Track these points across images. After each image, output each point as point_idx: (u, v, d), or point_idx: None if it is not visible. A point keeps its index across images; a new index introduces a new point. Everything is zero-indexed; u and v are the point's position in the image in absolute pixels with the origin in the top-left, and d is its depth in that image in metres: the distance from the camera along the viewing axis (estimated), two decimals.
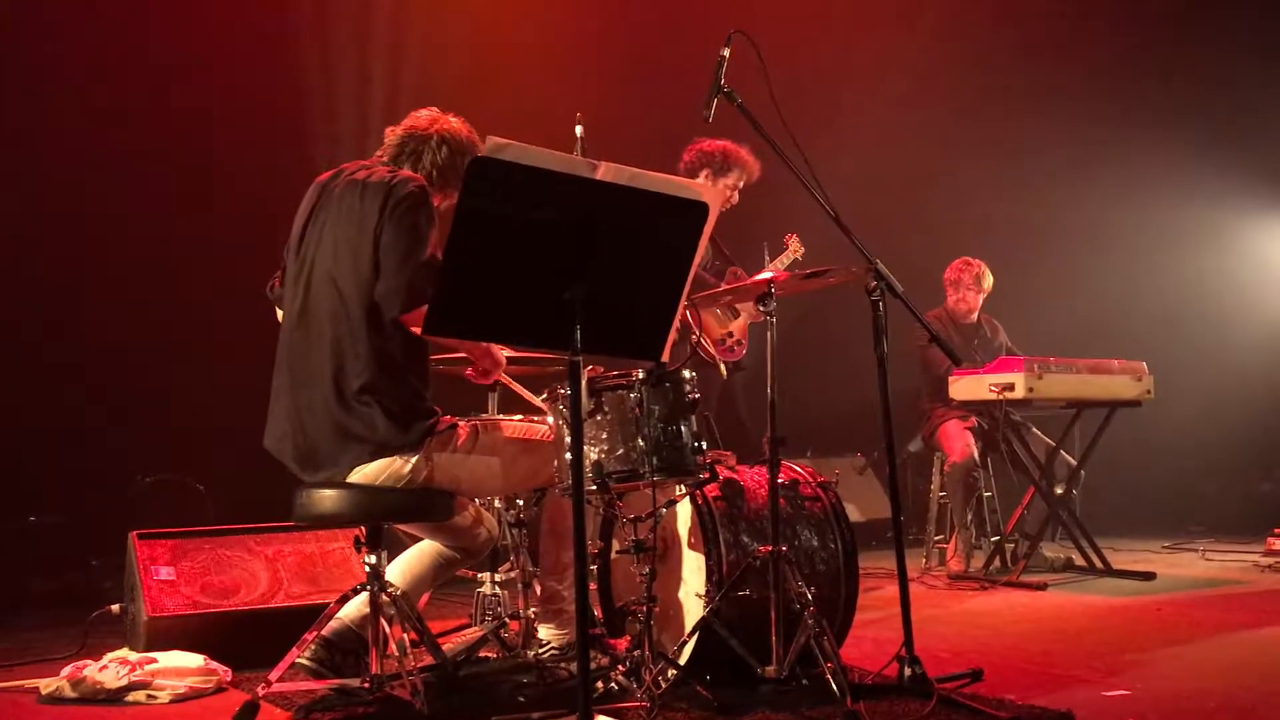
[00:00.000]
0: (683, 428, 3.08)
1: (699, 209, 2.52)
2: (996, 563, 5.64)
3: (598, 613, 3.63)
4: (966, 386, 5.45)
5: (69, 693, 3.33)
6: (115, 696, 3.32)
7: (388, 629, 3.03)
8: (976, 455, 5.71)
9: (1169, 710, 2.96)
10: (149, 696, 3.32)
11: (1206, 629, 4.09)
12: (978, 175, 7.70)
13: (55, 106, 5.79)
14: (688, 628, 3.25)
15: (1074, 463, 5.76)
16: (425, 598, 3.49)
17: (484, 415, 3.68)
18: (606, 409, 3.07)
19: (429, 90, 4.79)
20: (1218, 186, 7.93)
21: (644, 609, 3.05)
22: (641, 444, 3.02)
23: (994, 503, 6.03)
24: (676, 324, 2.71)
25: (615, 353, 2.73)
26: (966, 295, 6.11)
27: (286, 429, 3.14)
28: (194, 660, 3.45)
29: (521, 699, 3.15)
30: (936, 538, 6.08)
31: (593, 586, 3.62)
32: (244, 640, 3.68)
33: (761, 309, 3.32)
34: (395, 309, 3.03)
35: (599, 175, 2.56)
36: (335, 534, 4.14)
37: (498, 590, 3.91)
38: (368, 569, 3.04)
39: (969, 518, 5.75)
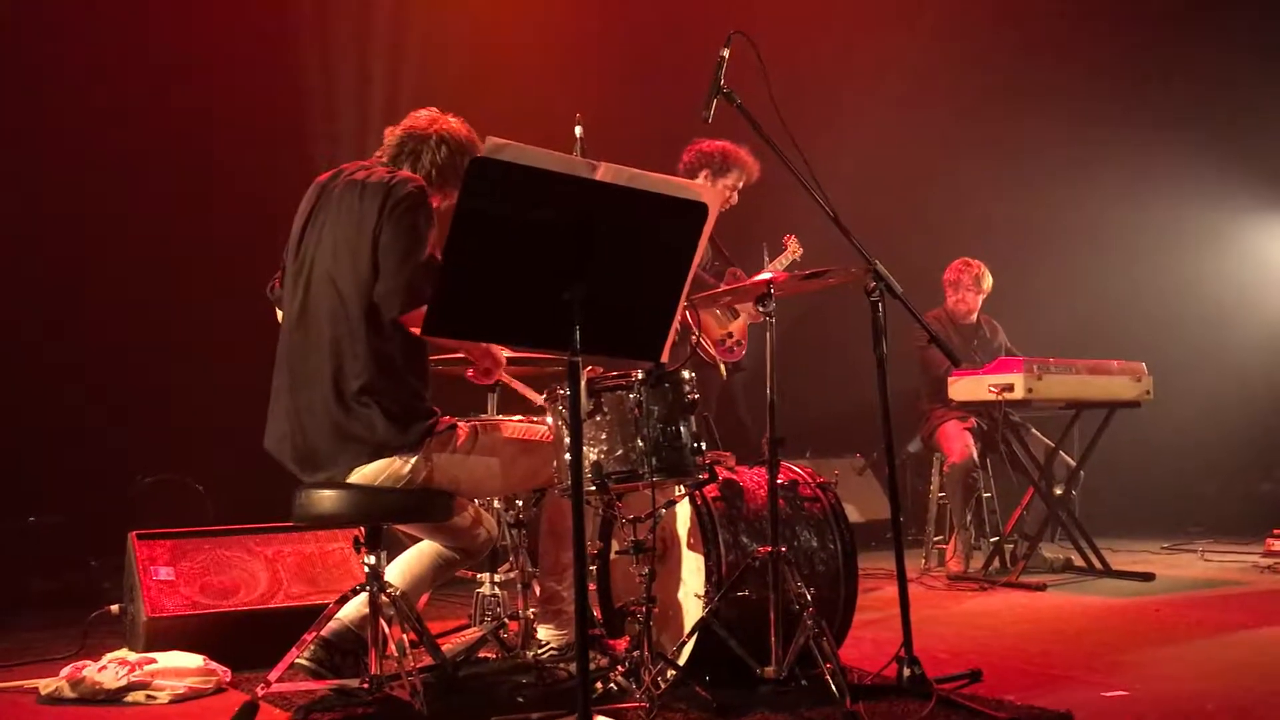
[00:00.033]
0: (682, 428, 3.08)
1: (698, 209, 2.51)
2: (995, 563, 5.63)
3: (597, 613, 3.64)
4: (966, 387, 5.45)
5: (68, 693, 3.33)
6: (114, 697, 3.32)
7: (387, 629, 3.03)
8: (976, 456, 5.71)
9: (1168, 711, 2.96)
10: (148, 697, 3.32)
11: (1205, 630, 4.09)
12: (978, 175, 7.70)
13: (55, 106, 5.80)
14: (687, 628, 3.25)
15: (1073, 463, 5.76)
16: (425, 598, 3.49)
17: (483, 416, 3.68)
18: (606, 409, 3.07)
19: (429, 90, 4.80)
20: (1218, 186, 7.93)
21: (643, 610, 3.05)
22: (641, 445, 3.02)
23: (993, 503, 6.03)
24: (676, 325, 2.71)
25: (614, 353, 2.73)
26: (966, 296, 6.11)
27: (286, 430, 3.14)
28: (193, 661, 3.45)
29: (521, 699, 3.15)
30: (936, 538, 6.08)
31: (592, 587, 3.62)
32: (243, 641, 3.68)
33: (761, 310, 3.32)
34: (394, 309, 3.03)
35: (598, 176, 2.56)
36: (335, 534, 4.14)
37: (497, 591, 3.90)
38: (367, 569, 3.04)
39: (968, 518, 5.76)
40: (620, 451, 3.04)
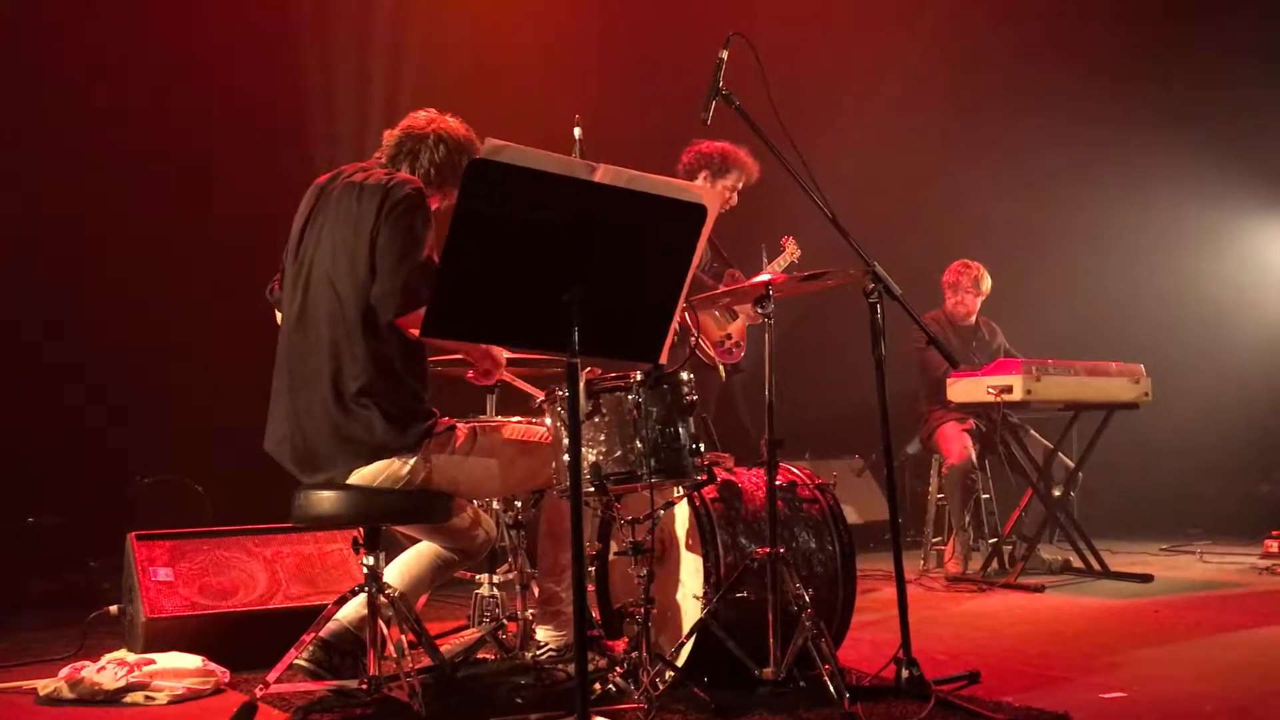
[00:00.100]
0: (681, 430, 3.08)
1: (697, 211, 2.51)
2: (994, 565, 5.63)
3: (595, 614, 3.64)
4: (964, 388, 5.45)
5: (67, 694, 3.33)
6: (113, 697, 3.32)
7: (386, 630, 3.03)
8: (974, 457, 5.71)
9: (1166, 712, 2.96)
10: (147, 698, 3.32)
11: (1204, 631, 4.09)
12: (977, 176, 7.70)
13: (55, 106, 5.80)
14: (685, 629, 3.25)
15: (1072, 465, 5.76)
16: (423, 599, 3.49)
17: (482, 417, 3.68)
18: (604, 411, 3.07)
19: (429, 90, 4.80)
20: (1218, 187, 7.93)
21: (642, 611, 3.05)
22: (639, 446, 3.02)
23: (992, 505, 6.03)
24: (675, 326, 2.71)
25: (613, 355, 2.72)
26: (965, 298, 6.11)
27: (285, 431, 3.14)
28: (192, 661, 3.46)
29: (519, 700, 3.15)
30: (934, 540, 6.08)
31: (591, 588, 3.62)
32: (242, 641, 3.68)
33: (760, 311, 3.32)
34: (390, 311, 3.03)
35: (597, 177, 2.55)
36: (334, 535, 4.14)
37: (496, 592, 3.91)
38: (366, 570, 3.04)
39: (967, 520, 5.76)
40: (619, 453, 3.04)
